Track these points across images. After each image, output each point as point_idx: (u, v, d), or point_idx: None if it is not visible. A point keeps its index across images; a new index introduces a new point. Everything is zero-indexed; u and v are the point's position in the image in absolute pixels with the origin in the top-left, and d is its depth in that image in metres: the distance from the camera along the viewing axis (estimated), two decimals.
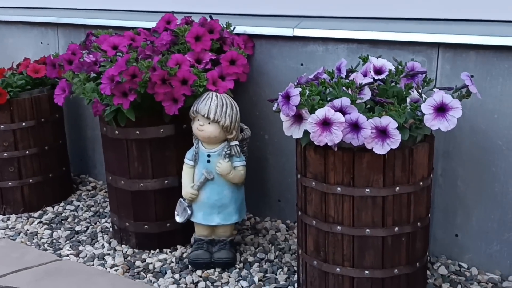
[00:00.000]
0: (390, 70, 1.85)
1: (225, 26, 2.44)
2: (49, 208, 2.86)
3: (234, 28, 2.49)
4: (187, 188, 2.19)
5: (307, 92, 1.71)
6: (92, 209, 2.85)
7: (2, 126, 2.71)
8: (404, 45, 2.16)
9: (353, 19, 2.34)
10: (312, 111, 1.70)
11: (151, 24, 2.70)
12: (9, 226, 2.67)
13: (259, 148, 2.63)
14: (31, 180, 2.81)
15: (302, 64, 2.44)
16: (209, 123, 2.10)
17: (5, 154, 2.74)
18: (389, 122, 1.62)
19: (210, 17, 2.47)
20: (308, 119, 1.66)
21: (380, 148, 1.63)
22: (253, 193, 2.65)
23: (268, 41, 2.51)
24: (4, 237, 2.54)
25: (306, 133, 1.72)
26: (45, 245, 2.48)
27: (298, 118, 1.74)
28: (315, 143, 1.67)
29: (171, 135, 2.32)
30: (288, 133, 1.77)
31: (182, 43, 2.31)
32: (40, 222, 2.71)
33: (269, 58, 2.53)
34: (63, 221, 2.72)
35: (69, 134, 3.15)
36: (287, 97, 1.71)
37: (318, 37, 2.36)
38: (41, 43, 3.21)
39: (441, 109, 1.64)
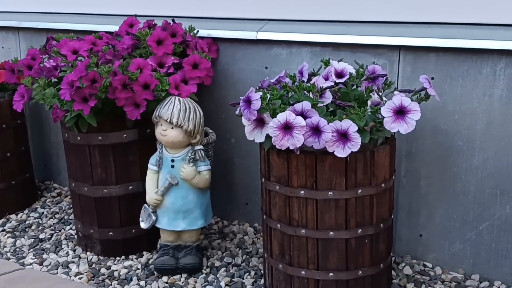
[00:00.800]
0: (351, 74, 1.86)
1: (188, 29, 2.42)
2: (13, 216, 2.80)
3: (198, 31, 2.47)
4: (151, 193, 2.16)
5: (269, 96, 1.71)
6: (56, 216, 2.80)
7: None
8: (366, 47, 2.17)
9: (316, 22, 2.35)
10: (273, 115, 1.70)
11: (114, 28, 2.66)
12: None
13: (226, 151, 2.61)
14: None
15: (266, 67, 2.44)
16: (172, 128, 2.08)
17: None
18: (349, 125, 1.62)
19: (173, 20, 2.44)
20: (269, 124, 1.65)
21: (341, 152, 1.64)
22: (221, 197, 2.64)
23: (232, 44, 2.50)
24: None
25: (269, 137, 1.71)
26: (8, 254, 2.43)
27: (260, 123, 1.73)
28: (277, 147, 1.67)
29: (135, 140, 2.29)
30: (250, 138, 1.77)
31: (144, 47, 2.28)
32: (3, 230, 2.65)
33: (233, 61, 2.52)
34: (26, 229, 2.66)
35: (33, 139, 3.09)
36: (248, 102, 1.70)
37: (282, 40, 2.37)
38: (2, 47, 3.14)
39: (400, 112, 1.65)
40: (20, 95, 2.16)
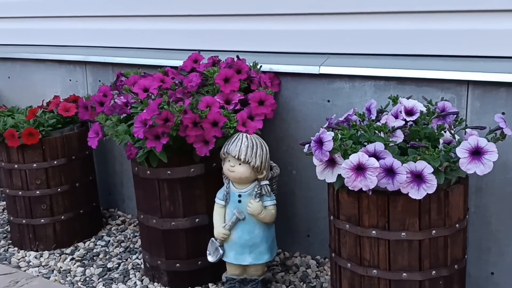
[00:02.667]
0: (421, 111, 1.86)
1: (252, 65, 2.47)
2: (81, 244, 2.90)
3: (261, 66, 2.52)
4: (219, 228, 2.21)
5: (340, 137, 1.72)
6: (122, 244, 2.88)
7: (34, 165, 2.76)
8: (432, 82, 2.17)
9: (380, 56, 2.36)
10: (345, 155, 1.72)
11: (178, 62, 2.75)
12: (43, 264, 2.71)
13: (287, 183, 2.64)
14: (62, 217, 2.85)
15: (328, 101, 2.46)
16: (239, 164, 2.12)
17: (37, 192, 2.79)
18: (424, 166, 1.62)
19: (237, 57, 2.50)
20: (342, 164, 1.67)
21: (416, 193, 1.63)
22: (281, 228, 2.66)
23: (294, 78, 2.54)
24: (38, 275, 2.58)
25: (340, 176, 1.73)
26: (79, 283, 2.51)
27: (331, 162, 1.75)
28: (350, 188, 1.68)
29: (201, 174, 2.34)
30: (321, 177, 1.79)
31: (211, 84, 2.34)
32: (73, 258, 2.74)
33: (294, 95, 2.56)
34: (94, 258, 2.75)
35: (98, 168, 3.20)
36: (319, 142, 1.72)
37: (345, 75, 2.39)
38: (70, 80, 3.28)
39: (477, 153, 1.64)
40: (94, 132, 2.25)
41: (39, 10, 3.38)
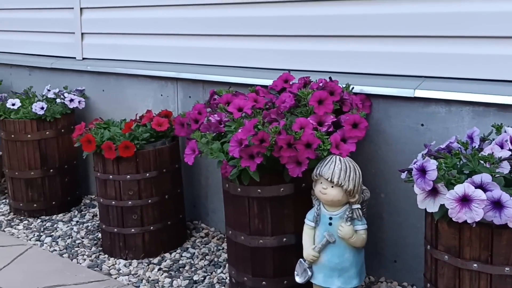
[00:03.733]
0: None
1: (344, 87, 2.47)
2: (167, 255, 2.99)
3: (353, 88, 2.52)
4: (308, 249, 2.21)
5: (444, 166, 1.69)
6: (207, 257, 2.95)
7: (128, 176, 2.89)
8: None
9: (479, 81, 2.30)
10: (448, 185, 1.68)
11: (267, 81, 2.80)
12: (132, 272, 2.82)
13: (374, 206, 2.61)
14: (151, 227, 2.96)
15: (422, 125, 2.42)
16: (332, 187, 2.12)
17: (129, 202, 2.92)
18: None
19: (330, 78, 2.51)
20: (446, 195, 1.64)
21: None
22: (367, 251, 2.61)
23: (386, 100, 2.52)
24: (128, 284, 2.69)
25: (441, 206, 1.69)
26: None
27: (433, 192, 1.72)
28: (454, 219, 1.64)
29: (291, 193, 2.36)
30: (422, 206, 1.75)
31: (303, 105, 2.37)
32: (160, 269, 2.84)
33: (386, 117, 2.53)
34: (181, 269, 2.83)
35: (184, 181, 3.29)
36: (422, 171, 1.70)
37: (441, 99, 2.34)
38: (161, 95, 3.41)
39: None
40: (191, 149, 2.33)
41: (133, 28, 3.54)
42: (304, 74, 2.76)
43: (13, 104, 3.50)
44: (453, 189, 1.63)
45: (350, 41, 2.65)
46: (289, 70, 2.81)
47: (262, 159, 2.15)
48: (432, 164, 1.68)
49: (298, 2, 2.80)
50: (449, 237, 1.76)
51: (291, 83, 2.64)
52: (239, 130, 2.23)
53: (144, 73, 3.44)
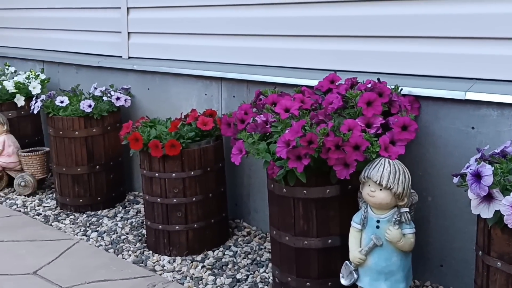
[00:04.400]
0: None
1: (393, 88, 2.44)
2: (210, 252, 3.02)
3: (401, 89, 2.48)
4: (355, 252, 2.20)
5: (500, 172, 1.65)
6: (249, 256, 2.96)
7: (173, 174, 2.93)
8: None
9: None
10: (503, 191, 1.64)
11: (311, 82, 2.80)
12: (176, 269, 2.86)
13: (421, 209, 2.57)
14: (195, 225, 3.00)
15: (472, 128, 2.37)
16: (380, 190, 2.10)
17: (174, 200, 2.96)
18: None
19: (378, 79, 2.49)
20: (501, 201, 1.60)
21: None
22: (413, 255, 2.58)
23: (435, 102, 2.48)
24: (173, 280, 2.73)
25: (495, 212, 1.66)
26: None
27: (487, 197, 1.68)
28: (509, 226, 1.61)
29: (336, 195, 2.35)
30: (476, 212, 1.72)
31: (351, 107, 2.35)
32: (203, 266, 2.87)
33: (435, 119, 2.49)
34: (223, 267, 2.86)
35: (227, 180, 3.32)
36: (477, 176, 1.66)
37: (493, 101, 2.28)
38: (205, 94, 3.44)
39: None
40: (238, 149, 2.35)
41: (179, 28, 3.58)
42: (351, 74, 2.74)
43: (62, 102, 3.59)
44: (509, 195, 1.59)
45: (399, 41, 2.62)
46: (335, 71, 2.80)
47: (309, 160, 2.15)
48: (488, 169, 1.64)
49: (346, 2, 2.78)
50: (503, 243, 1.72)
51: (337, 84, 2.63)
52: (286, 131, 2.23)
53: (189, 73, 3.48)
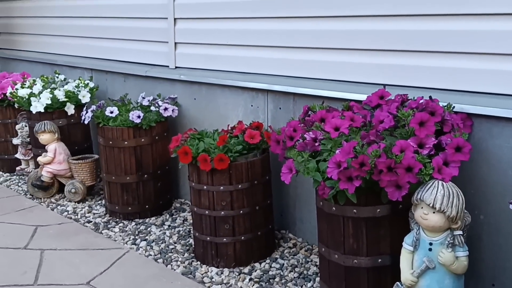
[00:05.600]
0: None
1: (446, 107, 2.40)
2: (257, 264, 3.05)
3: (454, 107, 2.44)
4: (407, 274, 2.19)
5: None
6: (296, 269, 2.98)
7: (221, 188, 2.97)
8: None
9: None
10: None
11: (360, 96, 2.78)
12: (224, 281, 2.90)
13: (473, 227, 2.52)
14: (242, 237, 3.03)
15: None
16: (434, 213, 2.08)
17: (222, 212, 3.00)
18: None
19: (430, 97, 2.45)
20: None
21: None
22: (464, 274, 2.55)
23: (488, 120, 2.43)
24: None
25: None
26: None
27: None
28: None
29: (387, 214, 2.34)
30: None
31: (402, 125, 2.33)
32: (251, 279, 2.90)
33: (489, 137, 2.44)
34: (271, 280, 2.88)
35: (272, 190, 3.33)
36: None
37: None
38: (251, 105, 3.47)
39: None
40: (288, 168, 2.36)
41: (225, 39, 3.61)
42: (400, 89, 2.72)
43: (111, 112, 3.68)
44: None
45: (451, 57, 2.57)
46: (385, 85, 2.77)
47: (361, 182, 2.14)
48: None
49: (397, 16, 2.75)
50: None
51: (386, 99, 2.61)
52: (337, 151, 2.23)
53: (235, 84, 3.50)
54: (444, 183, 2.10)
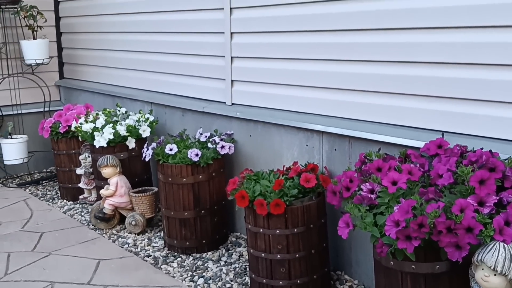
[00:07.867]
0: None
1: (507, 161, 2.36)
2: None
3: None
4: None
5: None
6: None
7: (277, 231, 3.01)
8: None
9: None
10: None
11: (417, 143, 2.76)
12: None
13: None
14: (298, 281, 3.06)
15: None
16: (495, 275, 2.05)
17: (278, 256, 3.04)
18: None
19: (490, 151, 2.41)
20: None
21: None
22: None
23: None
24: None
25: None
26: None
27: None
28: None
29: (446, 271, 2.31)
30: None
31: (462, 182, 2.30)
32: None
33: None
34: None
35: (328, 230, 3.34)
36: None
37: None
38: (306, 145, 3.50)
39: None
40: (345, 223, 2.38)
41: (281, 78, 3.66)
42: (459, 137, 2.69)
43: (171, 149, 3.80)
44: None
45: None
46: (443, 132, 2.75)
47: (420, 242, 2.13)
48: None
49: (455, 64, 2.72)
50: None
51: (445, 148, 2.58)
52: (395, 209, 2.23)
53: (290, 124, 3.55)
54: (505, 245, 2.05)
